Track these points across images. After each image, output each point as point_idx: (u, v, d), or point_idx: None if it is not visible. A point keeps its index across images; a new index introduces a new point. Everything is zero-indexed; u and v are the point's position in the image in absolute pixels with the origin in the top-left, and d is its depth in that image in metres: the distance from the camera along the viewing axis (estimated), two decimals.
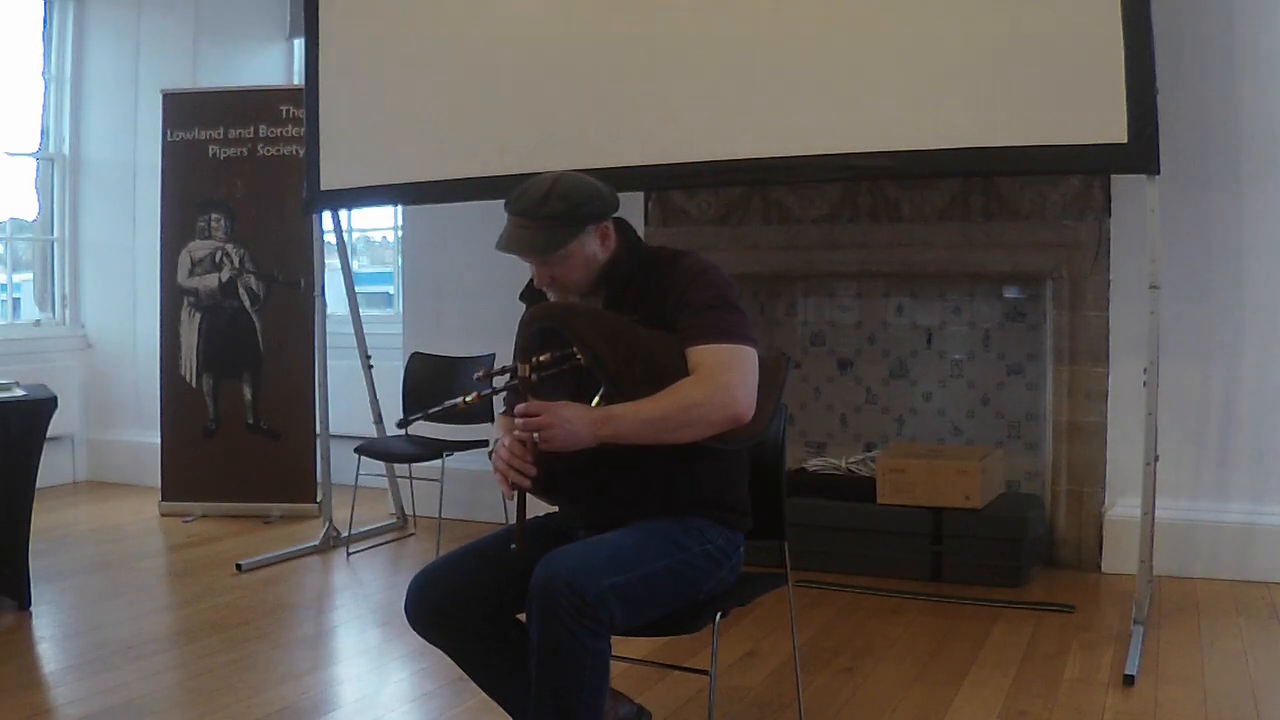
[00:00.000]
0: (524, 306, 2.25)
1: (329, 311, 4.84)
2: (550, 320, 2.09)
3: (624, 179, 3.42)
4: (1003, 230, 4.16)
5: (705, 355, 2.02)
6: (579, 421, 1.94)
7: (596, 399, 2.02)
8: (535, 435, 1.93)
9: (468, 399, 2.11)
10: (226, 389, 5.16)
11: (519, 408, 1.98)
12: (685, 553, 2.03)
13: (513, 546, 2.04)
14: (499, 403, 2.28)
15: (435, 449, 4.28)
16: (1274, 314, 3.82)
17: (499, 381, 2.09)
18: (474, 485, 4.72)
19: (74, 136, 6.06)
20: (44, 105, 6.04)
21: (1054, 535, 4.09)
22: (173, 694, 2.90)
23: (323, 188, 4.42)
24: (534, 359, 2.02)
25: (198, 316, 5.19)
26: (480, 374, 2.11)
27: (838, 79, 3.44)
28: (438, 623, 2.07)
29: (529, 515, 2.10)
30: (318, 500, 4.89)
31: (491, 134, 3.96)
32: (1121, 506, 3.95)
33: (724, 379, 1.99)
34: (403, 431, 4.45)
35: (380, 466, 4.90)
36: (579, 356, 2.01)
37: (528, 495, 2.07)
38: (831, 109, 3.44)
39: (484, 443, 3.88)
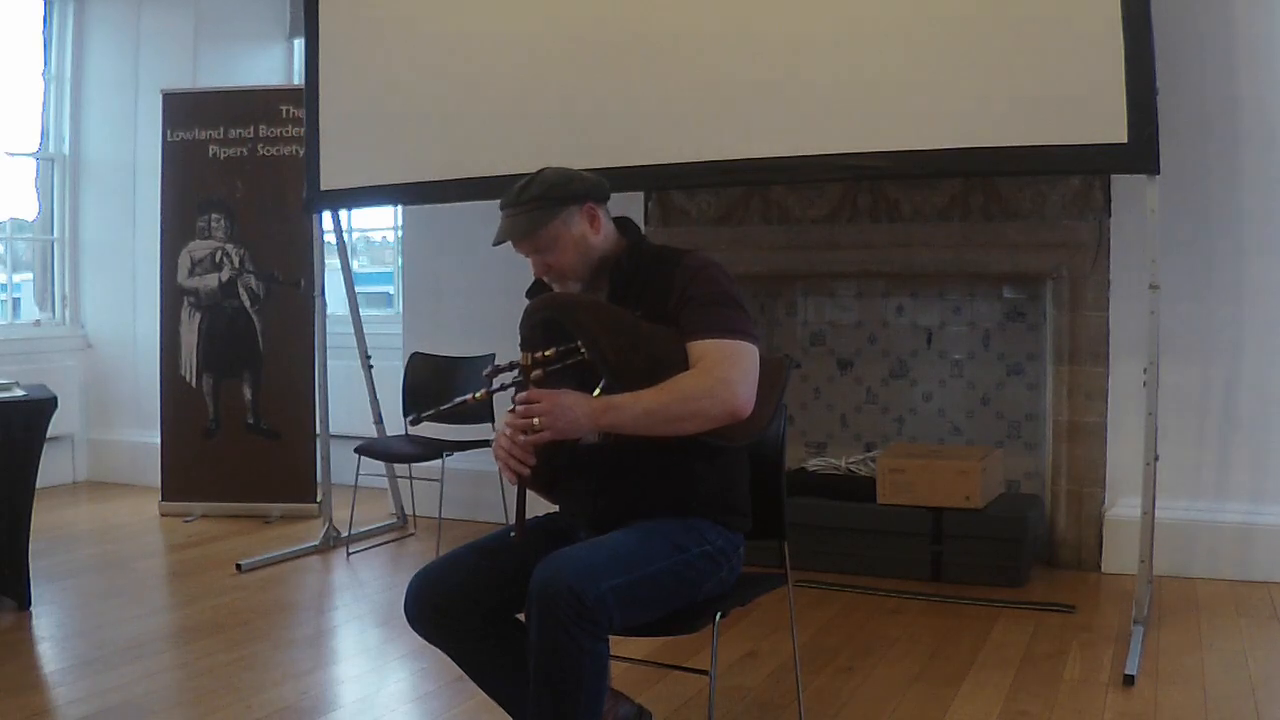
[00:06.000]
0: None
1: (329, 311, 4.84)
2: (552, 310, 2.09)
3: (624, 179, 3.43)
4: (1003, 230, 4.15)
5: (706, 349, 2.02)
6: (579, 408, 1.95)
7: (598, 390, 2.03)
8: (535, 421, 1.93)
9: (477, 395, 2.12)
10: (226, 389, 5.16)
11: (519, 396, 1.99)
12: (685, 553, 2.03)
13: (511, 535, 2.05)
14: (505, 399, 2.28)
15: (435, 449, 4.28)
16: (1274, 314, 3.82)
17: (507, 377, 2.10)
18: (474, 485, 4.72)
19: (74, 136, 6.06)
20: (44, 105, 6.04)
21: (1054, 535, 4.09)
22: (173, 694, 2.90)
23: (323, 188, 4.42)
24: (539, 354, 2.03)
25: (198, 316, 5.19)
26: (489, 370, 2.12)
27: (837, 79, 3.44)
28: (438, 622, 2.07)
29: (529, 509, 2.10)
30: (318, 500, 4.89)
31: (491, 134, 3.96)
32: (1121, 506, 3.95)
33: (724, 373, 1.99)
34: (404, 431, 4.46)
35: (380, 466, 4.90)
36: (582, 351, 2.02)
37: (530, 490, 2.07)
38: (831, 109, 3.44)
39: (484, 443, 3.88)
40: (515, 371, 2.07)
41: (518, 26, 3.93)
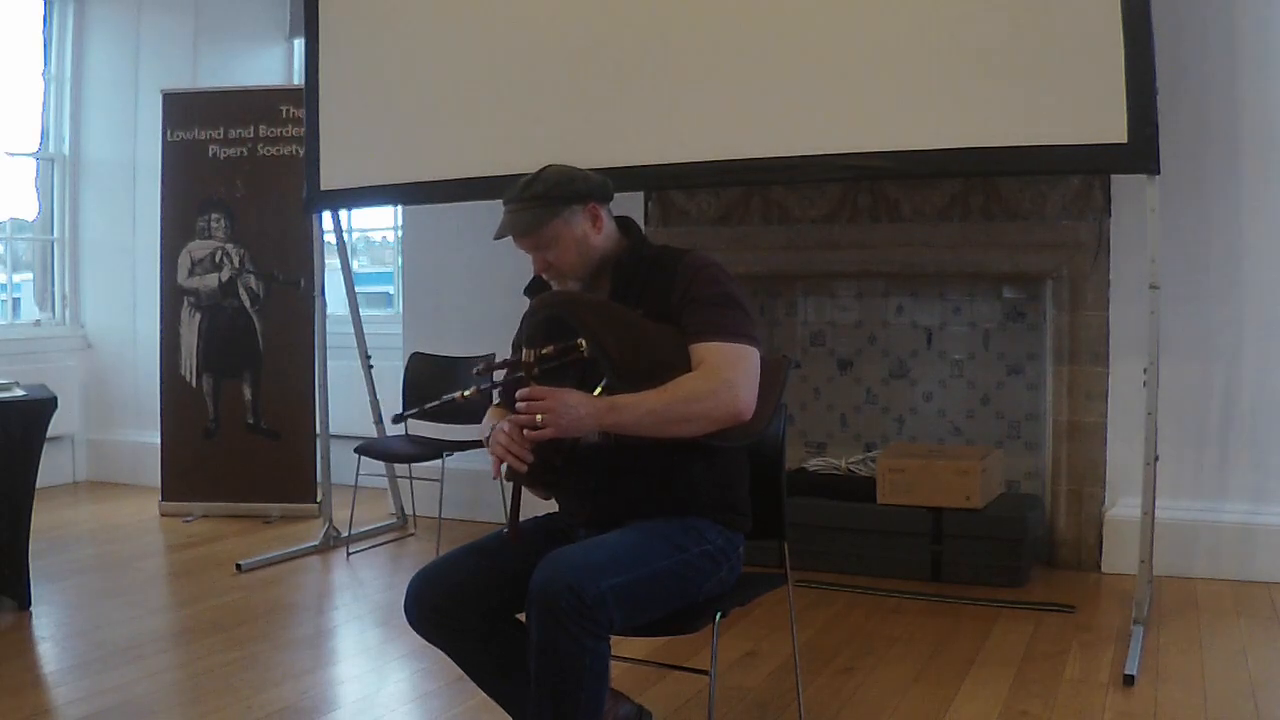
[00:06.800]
0: (528, 302, 2.25)
1: (329, 311, 4.84)
2: (556, 309, 2.10)
3: (624, 179, 3.41)
4: (1003, 230, 4.15)
5: (709, 352, 2.03)
6: (583, 407, 1.95)
7: (599, 389, 2.02)
8: (538, 418, 1.93)
9: (466, 393, 2.12)
10: (226, 389, 5.16)
11: (521, 392, 1.98)
12: (685, 553, 2.03)
13: (504, 531, 2.05)
14: (496, 395, 2.28)
15: (435, 449, 4.28)
16: (1274, 314, 3.82)
17: (499, 375, 2.10)
18: (474, 485, 4.72)
19: (74, 136, 6.06)
20: (44, 105, 6.04)
21: (1054, 535, 4.09)
22: (173, 694, 2.90)
23: (323, 188, 4.42)
24: (538, 350, 2.03)
25: (198, 316, 5.19)
26: (480, 367, 2.12)
27: (837, 79, 3.44)
28: (437, 622, 2.07)
29: (528, 511, 2.10)
30: (318, 500, 4.89)
31: (491, 134, 3.96)
32: (1121, 506, 3.95)
33: (727, 376, 2.00)
34: (402, 430, 4.45)
35: (380, 466, 4.90)
36: (583, 349, 2.02)
37: (523, 487, 2.07)
38: (831, 109, 3.44)
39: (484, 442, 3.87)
40: (508, 369, 2.06)
41: (518, 26, 3.93)
